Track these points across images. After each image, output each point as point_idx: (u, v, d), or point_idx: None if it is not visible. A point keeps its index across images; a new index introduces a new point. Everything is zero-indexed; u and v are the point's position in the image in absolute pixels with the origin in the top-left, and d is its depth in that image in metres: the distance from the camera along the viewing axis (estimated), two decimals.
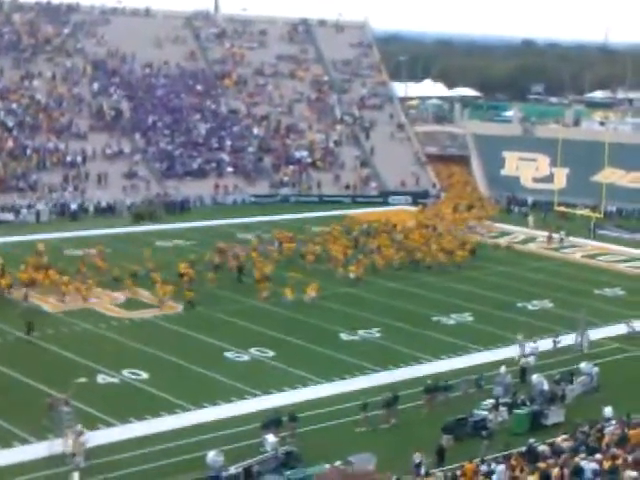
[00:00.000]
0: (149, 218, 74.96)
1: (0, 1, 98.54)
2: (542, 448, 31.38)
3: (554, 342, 46.55)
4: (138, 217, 74.98)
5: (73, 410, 33.58)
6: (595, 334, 48.76)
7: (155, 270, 56.35)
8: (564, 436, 32.41)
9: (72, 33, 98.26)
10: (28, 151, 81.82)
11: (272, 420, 34.67)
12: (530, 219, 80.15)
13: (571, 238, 74.25)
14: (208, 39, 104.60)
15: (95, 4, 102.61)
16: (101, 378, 40.38)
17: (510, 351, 45.54)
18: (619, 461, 28.17)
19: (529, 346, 44.80)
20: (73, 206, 75.93)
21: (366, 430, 35.95)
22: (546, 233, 74.78)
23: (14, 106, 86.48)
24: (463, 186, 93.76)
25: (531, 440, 32.02)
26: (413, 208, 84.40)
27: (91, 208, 76.93)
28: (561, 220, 79.27)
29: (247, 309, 51.65)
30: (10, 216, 72.71)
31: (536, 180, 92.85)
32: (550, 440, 32.57)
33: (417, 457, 31.61)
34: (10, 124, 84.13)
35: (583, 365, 42.11)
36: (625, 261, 69.03)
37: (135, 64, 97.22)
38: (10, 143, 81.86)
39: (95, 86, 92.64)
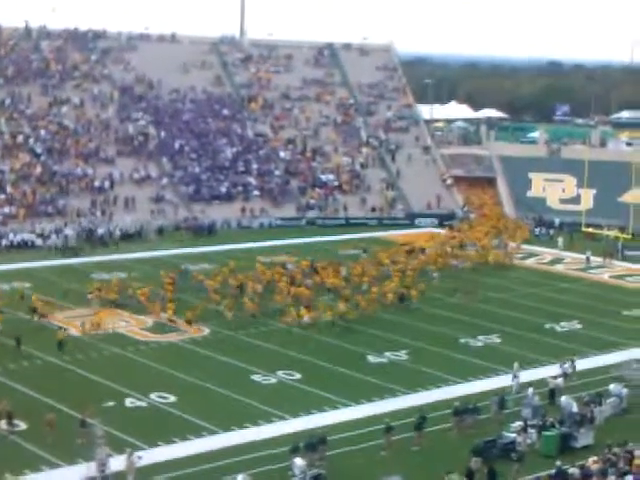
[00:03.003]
0: (73, 254, 70.90)
1: (28, 28, 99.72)
2: (572, 470, 31.17)
3: (561, 367, 45.08)
4: (61, 252, 71.24)
5: (104, 434, 33.60)
6: (623, 355, 48.46)
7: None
8: (594, 458, 32.17)
9: (99, 59, 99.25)
10: (56, 177, 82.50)
11: (301, 443, 34.56)
12: (560, 240, 79.72)
13: (614, 261, 74.37)
14: (234, 64, 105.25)
15: (122, 31, 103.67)
16: (129, 402, 40.50)
17: (539, 372, 45.44)
18: None
19: (565, 367, 44.52)
20: (101, 231, 76.29)
21: (389, 454, 35.75)
22: (574, 254, 74.96)
23: (42, 132, 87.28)
24: (490, 209, 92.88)
25: (558, 463, 31.84)
26: (440, 230, 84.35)
27: (118, 232, 77.05)
28: (588, 241, 78.84)
29: (273, 332, 51.64)
30: (39, 241, 73.20)
31: (563, 201, 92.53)
32: (580, 462, 32.35)
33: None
34: (39, 150, 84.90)
35: (612, 387, 41.82)
36: None
37: (162, 89, 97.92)
38: (39, 169, 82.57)
39: (122, 112, 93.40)
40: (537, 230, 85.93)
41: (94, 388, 42.10)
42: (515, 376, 43.09)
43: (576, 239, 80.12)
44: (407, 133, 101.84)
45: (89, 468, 32.68)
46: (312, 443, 34.71)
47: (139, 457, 33.04)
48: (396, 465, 34.27)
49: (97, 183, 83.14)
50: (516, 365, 43.89)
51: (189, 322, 52.17)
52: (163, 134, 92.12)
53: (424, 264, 67.91)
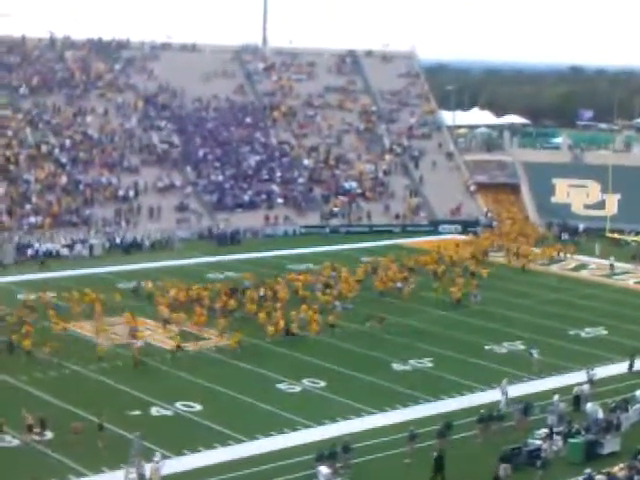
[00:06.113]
0: None
1: (53, 39, 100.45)
2: (599, 478, 31.11)
3: (587, 373, 44.75)
4: None
5: (142, 447, 33.62)
6: None
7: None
8: (620, 465, 32.10)
9: (123, 69, 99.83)
10: (81, 186, 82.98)
11: (326, 451, 34.58)
12: (597, 246, 78.96)
13: None
14: (256, 72, 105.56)
15: (145, 40, 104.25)
16: (155, 410, 40.67)
17: (563, 379, 45.35)
18: None
19: (590, 373, 44.28)
20: (126, 240, 76.63)
21: (412, 461, 35.68)
22: (599, 260, 74.59)
23: (67, 142, 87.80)
24: (521, 226, 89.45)
25: (587, 470, 31.75)
26: (463, 237, 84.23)
27: (145, 242, 77.37)
28: (613, 247, 78.47)
29: (297, 340, 51.65)
30: (65, 250, 73.59)
31: (587, 207, 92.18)
32: (606, 469, 32.27)
33: None
34: (63, 160, 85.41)
35: (638, 393, 41.64)
36: None
37: (185, 98, 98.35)
38: (64, 178, 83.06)
39: (146, 121, 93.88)
40: (562, 236, 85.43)
41: (120, 397, 42.27)
42: (503, 392, 41.85)
43: (600, 245, 79.66)
44: (430, 140, 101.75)
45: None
46: (337, 451, 34.76)
47: (156, 460, 33.09)
48: (421, 472, 34.23)
49: (122, 192, 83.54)
50: (504, 381, 42.75)
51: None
52: (187, 143, 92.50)
53: (347, 290, 61.30)
